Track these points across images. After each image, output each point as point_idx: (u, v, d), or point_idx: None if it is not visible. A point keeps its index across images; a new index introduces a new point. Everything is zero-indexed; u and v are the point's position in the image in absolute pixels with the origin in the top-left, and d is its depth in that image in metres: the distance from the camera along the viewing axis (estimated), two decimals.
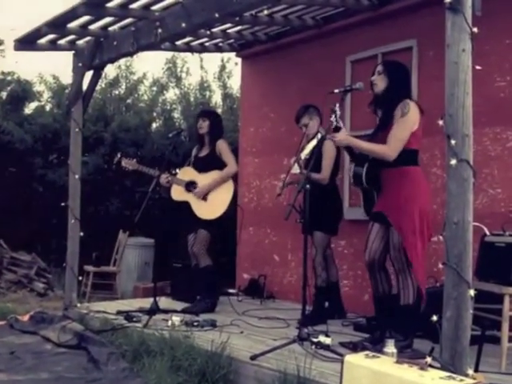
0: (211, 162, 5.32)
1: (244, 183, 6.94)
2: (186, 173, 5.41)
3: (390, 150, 3.65)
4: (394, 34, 5.27)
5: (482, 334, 3.26)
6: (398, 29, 5.25)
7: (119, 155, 5.65)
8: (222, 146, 5.36)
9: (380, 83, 3.83)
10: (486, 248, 3.80)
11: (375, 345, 3.61)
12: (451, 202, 2.67)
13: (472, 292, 2.61)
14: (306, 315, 3.89)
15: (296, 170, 4.59)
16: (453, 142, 2.63)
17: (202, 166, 5.36)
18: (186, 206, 5.32)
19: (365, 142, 3.75)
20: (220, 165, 5.30)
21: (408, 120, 3.64)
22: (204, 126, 5.41)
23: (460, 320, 2.61)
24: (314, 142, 4.75)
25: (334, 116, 3.73)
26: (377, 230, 3.82)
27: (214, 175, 5.28)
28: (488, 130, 4.60)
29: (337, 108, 3.73)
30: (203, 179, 5.29)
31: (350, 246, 5.59)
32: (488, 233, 3.83)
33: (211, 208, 5.23)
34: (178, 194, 5.38)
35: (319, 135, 4.78)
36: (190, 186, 5.33)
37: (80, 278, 5.83)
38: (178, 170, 5.46)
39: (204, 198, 5.26)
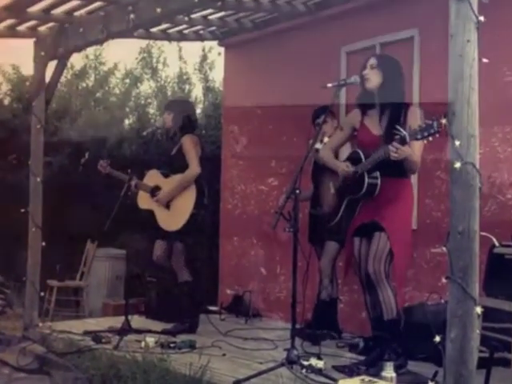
0: (177, 163, 5.20)
1: (227, 187, 6.93)
2: (152, 177, 5.37)
3: (419, 162, 3.84)
4: (393, 22, 5.31)
5: (490, 356, 3.29)
6: (398, 17, 5.29)
7: (87, 155, 5.61)
8: (185, 143, 5.18)
9: (374, 78, 3.90)
10: (494, 260, 3.84)
11: (372, 368, 3.63)
12: (455, 209, 2.68)
13: (479, 309, 2.62)
14: (301, 328, 3.94)
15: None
16: (457, 142, 2.64)
17: (169, 167, 5.30)
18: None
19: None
20: (187, 166, 5.15)
21: None
22: (168, 119, 5.36)
23: (466, 341, 2.62)
24: None
25: (401, 128, 3.78)
26: (366, 243, 3.94)
27: (176, 180, 5.19)
28: (497, 130, 4.65)
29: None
30: (167, 184, 5.23)
31: (344, 257, 5.60)
32: (497, 243, 3.84)
33: (173, 218, 5.14)
34: (143, 201, 5.35)
35: None
36: (155, 192, 5.28)
37: (42, 293, 5.77)
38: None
39: (167, 206, 5.21)
